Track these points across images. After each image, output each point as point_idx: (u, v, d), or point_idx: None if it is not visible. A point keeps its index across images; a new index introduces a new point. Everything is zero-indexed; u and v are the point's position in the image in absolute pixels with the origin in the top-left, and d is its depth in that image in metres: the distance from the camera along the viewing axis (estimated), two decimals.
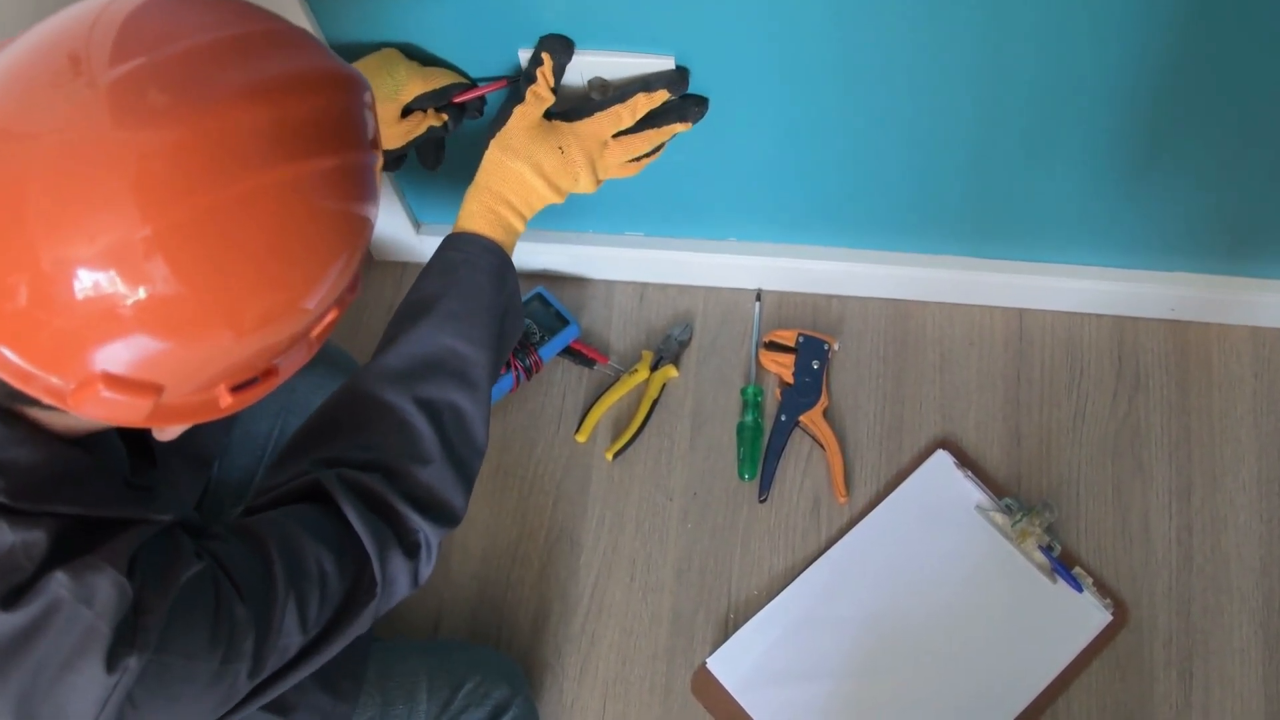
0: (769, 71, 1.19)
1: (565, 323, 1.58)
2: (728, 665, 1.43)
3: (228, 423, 1.26)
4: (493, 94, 1.22)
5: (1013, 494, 1.49)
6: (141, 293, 0.67)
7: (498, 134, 1.13)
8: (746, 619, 1.45)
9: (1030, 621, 1.42)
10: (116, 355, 0.70)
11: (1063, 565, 1.43)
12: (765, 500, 1.52)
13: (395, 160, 1.26)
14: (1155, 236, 1.44)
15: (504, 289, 1.10)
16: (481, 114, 1.24)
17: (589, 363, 1.59)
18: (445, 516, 0.99)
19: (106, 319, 0.68)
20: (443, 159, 1.29)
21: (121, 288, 0.67)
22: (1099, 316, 1.59)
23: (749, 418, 1.54)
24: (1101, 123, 1.22)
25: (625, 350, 1.61)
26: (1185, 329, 1.58)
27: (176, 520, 0.86)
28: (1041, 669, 1.40)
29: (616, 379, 1.58)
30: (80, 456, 0.81)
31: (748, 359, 1.59)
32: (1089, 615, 1.42)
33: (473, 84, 1.22)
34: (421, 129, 1.22)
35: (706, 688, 1.43)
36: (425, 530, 0.97)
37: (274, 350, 0.78)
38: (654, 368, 1.58)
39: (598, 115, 1.13)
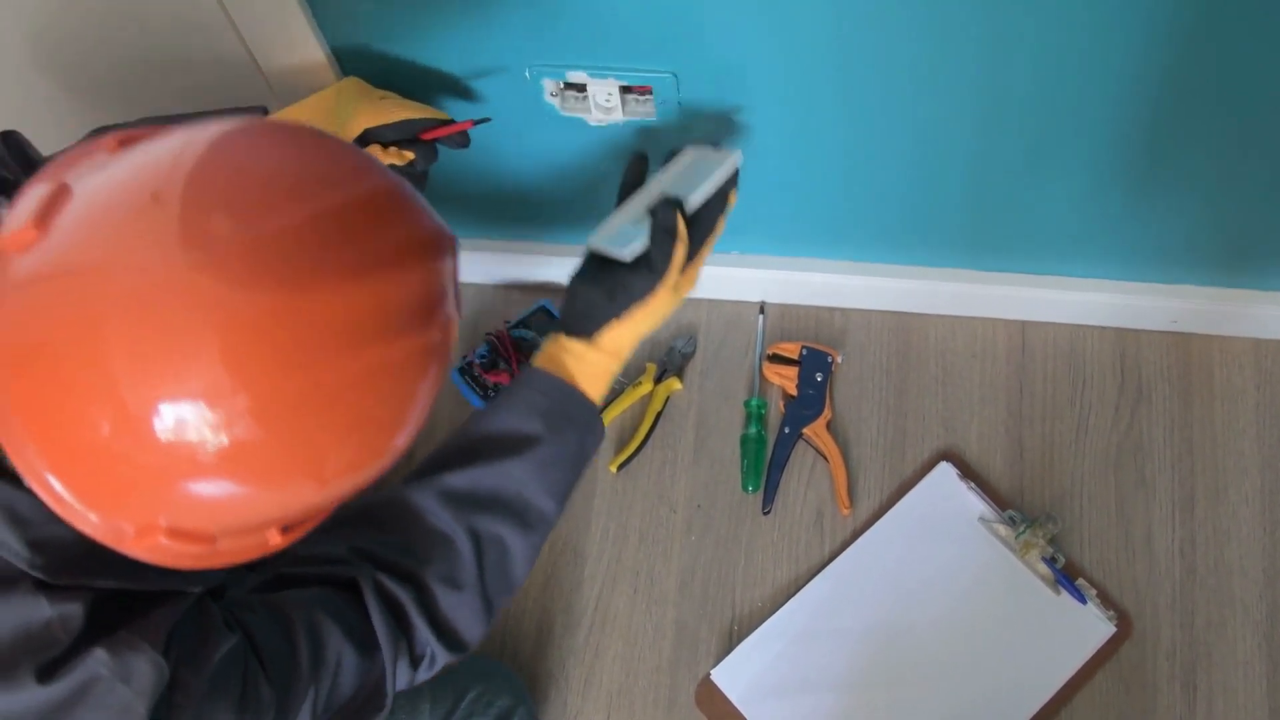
0: (772, 85, 1.20)
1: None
2: (732, 677, 1.43)
3: None
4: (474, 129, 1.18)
5: (1016, 506, 1.49)
6: (225, 439, 0.64)
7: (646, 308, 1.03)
8: (750, 631, 1.45)
9: (1033, 633, 1.42)
10: (188, 500, 0.68)
11: (1066, 577, 1.43)
12: (769, 512, 1.52)
13: None
14: (1157, 249, 1.44)
15: (592, 452, 1.06)
16: (466, 147, 1.20)
17: None
18: (458, 644, 0.98)
19: (188, 462, 0.65)
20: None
21: (206, 433, 0.64)
22: (1101, 329, 1.59)
23: (752, 430, 1.54)
24: (1103, 135, 1.23)
25: (629, 362, 1.61)
26: (1187, 341, 1.58)
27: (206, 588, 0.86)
28: (1045, 681, 1.40)
29: (620, 391, 1.58)
30: None
31: (751, 371, 1.60)
32: (1092, 627, 1.42)
33: (448, 120, 1.18)
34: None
35: (711, 700, 1.43)
36: (435, 650, 0.96)
37: (345, 496, 0.75)
38: (658, 380, 1.58)
39: (689, 266, 1.07)
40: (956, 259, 1.52)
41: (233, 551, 0.75)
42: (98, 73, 1.33)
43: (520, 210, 1.51)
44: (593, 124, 1.28)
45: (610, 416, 1.57)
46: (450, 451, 1.00)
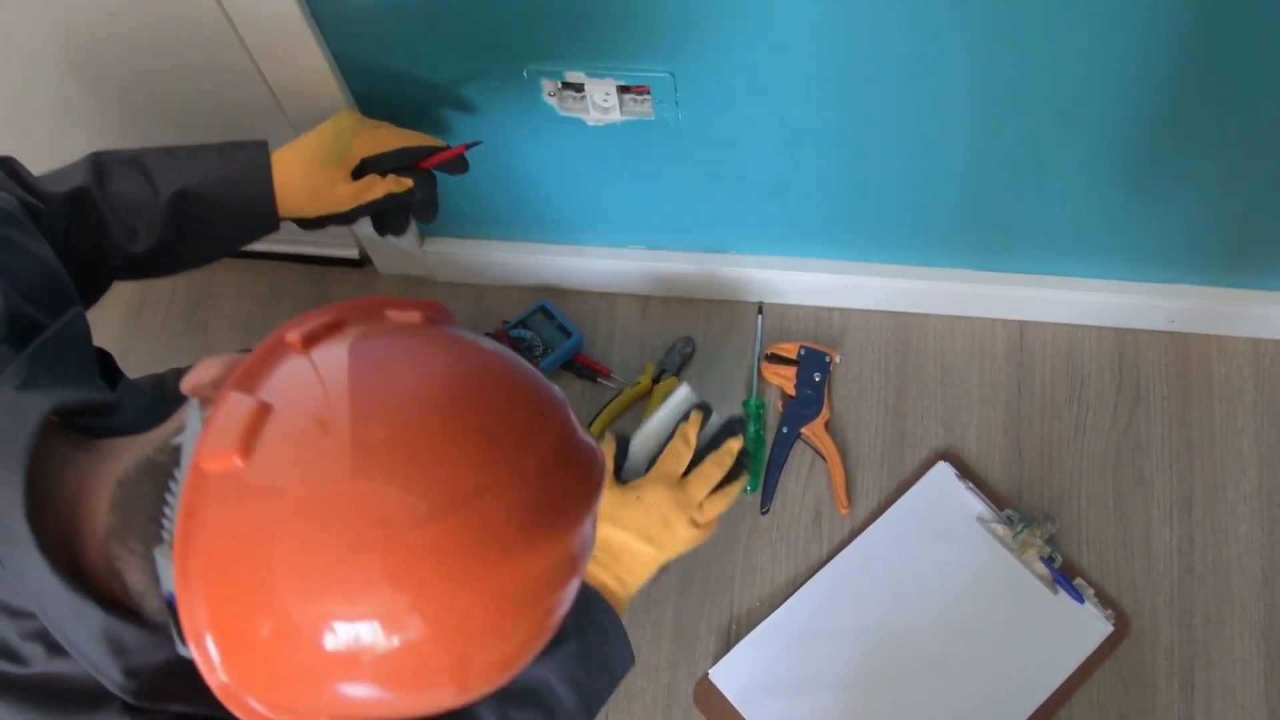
0: (769, 85, 1.20)
1: (568, 335, 1.58)
2: (730, 676, 1.43)
3: None
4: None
5: (1014, 505, 1.49)
6: (382, 651, 0.65)
7: None
8: (748, 630, 1.45)
9: (1032, 633, 1.42)
10: (326, 697, 0.68)
11: (1064, 576, 1.43)
12: (767, 512, 1.52)
13: (344, 218, 1.19)
14: (1155, 249, 1.44)
15: (618, 664, 1.08)
16: (464, 172, 1.22)
17: (591, 375, 1.60)
18: None
19: (341, 668, 0.66)
20: (407, 226, 1.24)
21: (364, 646, 0.64)
22: (1099, 328, 1.59)
23: (751, 430, 1.55)
24: (1101, 135, 1.23)
25: (627, 363, 1.62)
26: (1185, 341, 1.58)
27: None
28: (1043, 680, 1.40)
29: (619, 391, 1.58)
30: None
31: (750, 371, 1.60)
32: (1090, 626, 1.42)
33: (443, 147, 1.20)
34: (375, 193, 1.17)
35: (709, 699, 1.43)
36: None
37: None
38: (656, 380, 1.58)
39: (660, 458, 1.09)
40: (955, 259, 1.52)
41: None
42: (115, 76, 1.33)
43: (519, 210, 1.51)
44: (591, 124, 1.28)
45: (609, 417, 1.57)
46: None
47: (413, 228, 1.57)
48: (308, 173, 1.14)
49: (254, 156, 1.13)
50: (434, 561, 0.64)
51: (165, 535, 0.69)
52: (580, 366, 1.59)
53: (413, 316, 0.76)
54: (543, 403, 0.72)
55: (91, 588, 0.74)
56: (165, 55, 1.29)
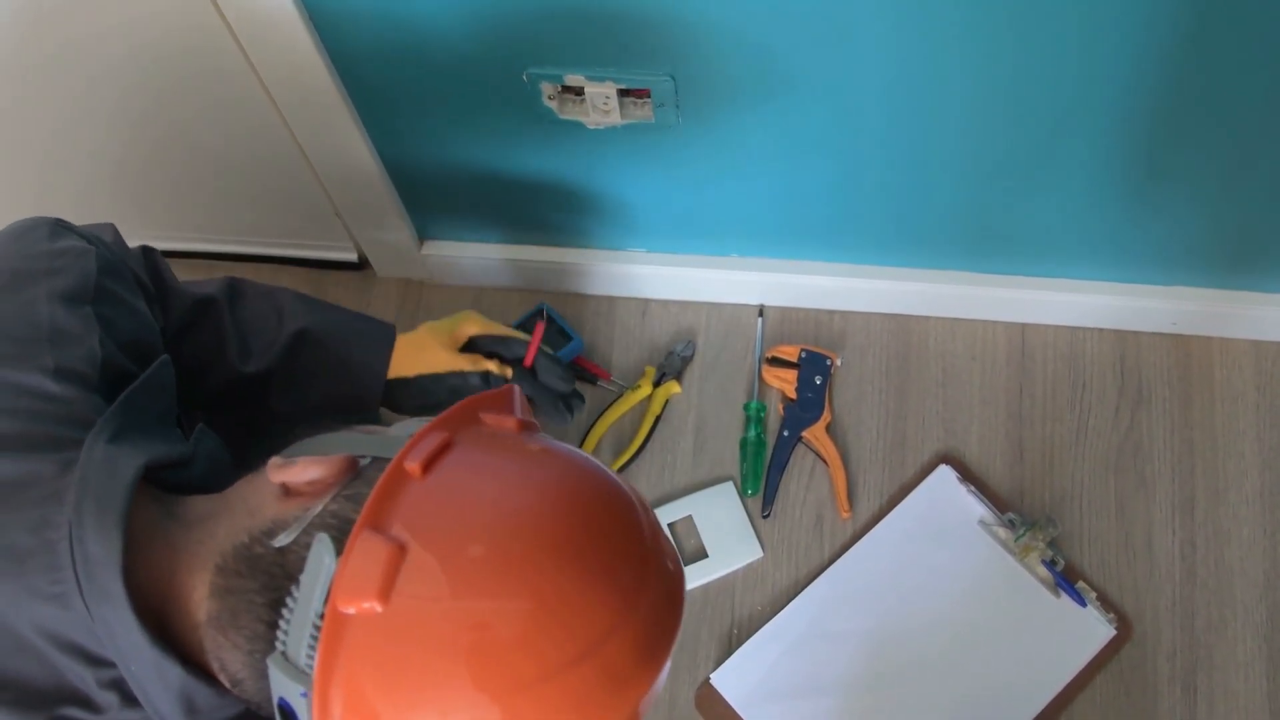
0: (769, 88, 1.20)
1: (568, 338, 1.58)
2: (731, 680, 1.43)
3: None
4: None
5: (1016, 509, 1.49)
6: None
7: None
8: (750, 634, 1.45)
9: (1034, 636, 1.42)
10: None
11: (1066, 580, 1.43)
12: (768, 516, 1.52)
13: (436, 384, 1.25)
14: (1156, 251, 1.44)
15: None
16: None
17: (591, 379, 1.59)
18: None
19: None
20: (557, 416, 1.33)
21: None
22: (1100, 331, 1.59)
23: (752, 433, 1.54)
24: (1102, 138, 1.23)
25: (628, 366, 1.61)
26: (1187, 343, 1.58)
27: None
28: (1045, 683, 1.40)
29: (619, 395, 1.58)
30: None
31: (750, 374, 1.60)
32: (1092, 630, 1.42)
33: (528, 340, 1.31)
34: (476, 365, 1.25)
35: (710, 703, 1.42)
36: None
37: None
38: (656, 383, 1.58)
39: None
40: (956, 261, 1.52)
41: None
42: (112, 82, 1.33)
43: (518, 213, 1.51)
44: (591, 127, 1.28)
45: (609, 421, 1.57)
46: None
47: (414, 237, 1.57)
48: (417, 336, 1.23)
49: (382, 326, 1.21)
50: (566, 707, 0.66)
51: (280, 646, 0.71)
52: (580, 370, 1.59)
53: (509, 425, 0.78)
54: (642, 525, 0.74)
55: (175, 647, 0.76)
56: (154, 46, 1.28)
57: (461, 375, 1.23)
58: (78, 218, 0.99)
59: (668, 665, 0.73)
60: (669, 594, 0.73)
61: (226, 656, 0.76)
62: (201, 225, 1.64)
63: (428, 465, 0.72)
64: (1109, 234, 1.41)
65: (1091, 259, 1.48)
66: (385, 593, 0.67)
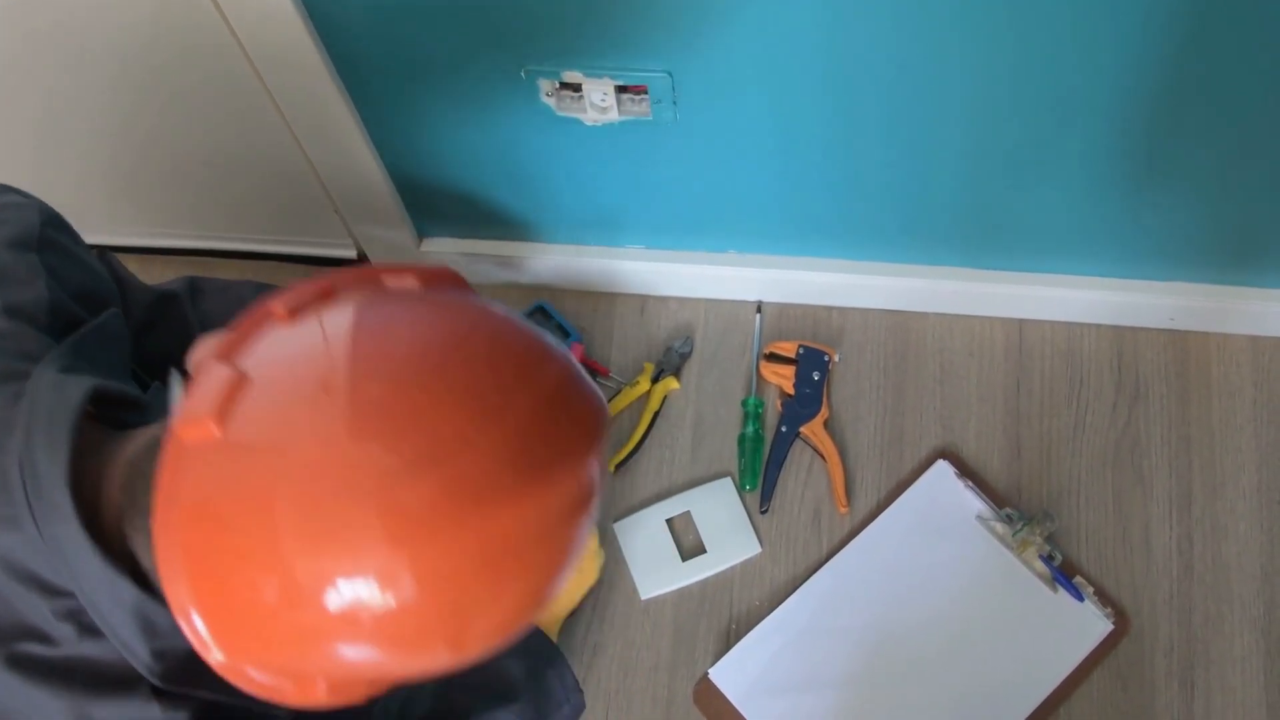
0: (768, 84, 1.20)
1: (566, 335, 1.58)
2: (730, 676, 1.43)
3: None
4: None
5: (1013, 504, 1.49)
6: (381, 611, 0.65)
7: None
8: (748, 629, 1.45)
9: (1031, 631, 1.42)
10: (329, 661, 0.69)
11: (1063, 575, 1.43)
12: (766, 511, 1.52)
13: None
14: (1154, 246, 1.44)
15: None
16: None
17: (590, 375, 1.59)
18: None
19: (340, 629, 0.66)
20: None
21: (363, 606, 0.65)
22: (1098, 327, 1.59)
23: (750, 429, 1.55)
24: (1100, 133, 1.23)
25: (626, 363, 1.62)
26: (1184, 339, 1.58)
27: None
28: (1043, 678, 1.40)
29: (618, 391, 1.58)
30: None
31: (748, 371, 1.60)
32: (1090, 624, 1.42)
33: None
34: None
35: (709, 698, 1.43)
36: None
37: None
38: (655, 380, 1.58)
39: None
40: (954, 257, 1.52)
41: (332, 697, 0.75)
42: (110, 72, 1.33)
43: (517, 210, 1.51)
44: (588, 123, 1.28)
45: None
46: (444, 700, 1.13)
47: (413, 236, 1.57)
48: None
49: None
50: (423, 518, 0.64)
51: None
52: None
53: (409, 282, 0.76)
54: (533, 355, 0.72)
55: (130, 567, 0.75)
56: (152, 43, 1.28)
57: None
58: (72, 213, 0.99)
59: (571, 506, 0.70)
60: (558, 416, 0.70)
61: (140, 552, 0.75)
62: (199, 221, 1.64)
63: (296, 310, 0.72)
64: (1108, 229, 1.41)
65: (1090, 254, 1.48)
66: (221, 414, 0.66)
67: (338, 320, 0.71)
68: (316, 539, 0.64)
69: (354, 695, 0.74)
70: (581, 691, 1.22)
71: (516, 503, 0.66)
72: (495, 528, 0.65)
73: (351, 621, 0.65)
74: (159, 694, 0.79)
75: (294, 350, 0.70)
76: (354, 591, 0.64)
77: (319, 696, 0.73)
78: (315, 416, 0.66)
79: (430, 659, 0.70)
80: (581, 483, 0.70)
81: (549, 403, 0.70)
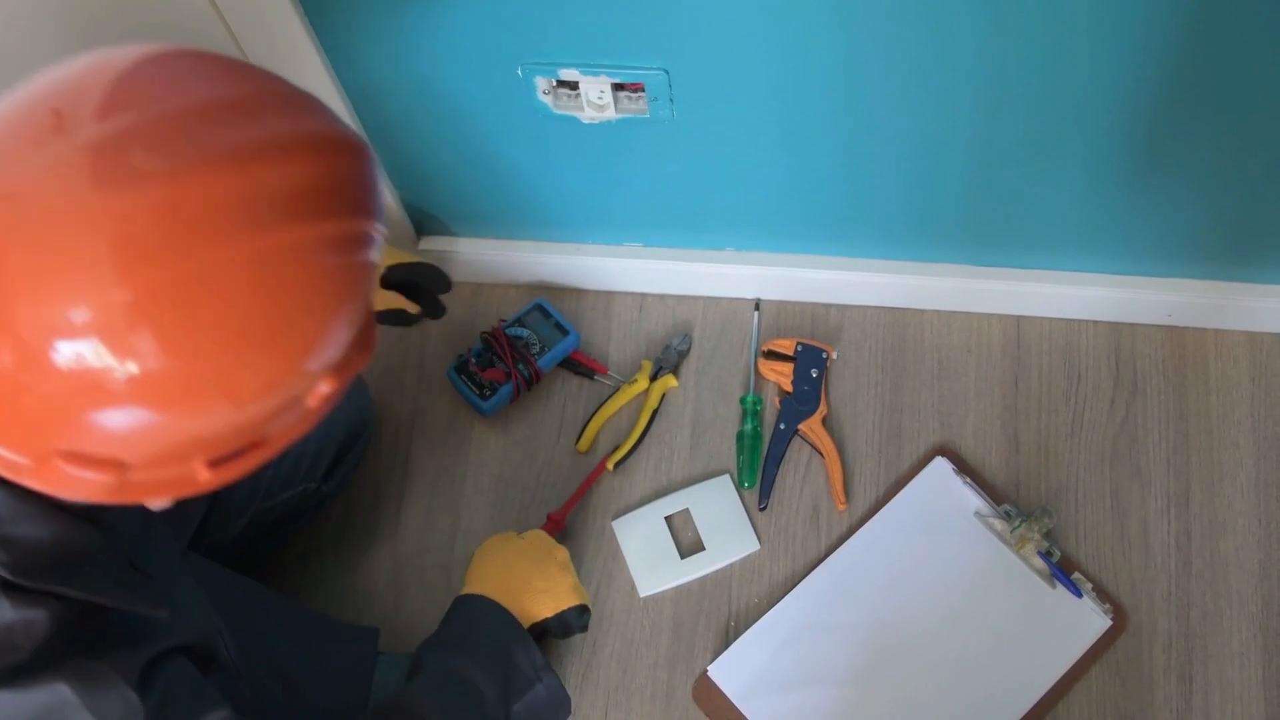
0: (766, 81, 1.20)
1: (565, 333, 1.59)
2: (729, 673, 1.43)
3: None
4: None
5: (1011, 500, 1.50)
6: (132, 366, 0.64)
7: None
8: (747, 627, 1.45)
9: (1029, 627, 1.42)
10: (95, 429, 0.67)
11: (1062, 571, 1.43)
12: (765, 508, 1.52)
13: None
14: (1152, 243, 1.45)
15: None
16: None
17: (588, 373, 1.60)
18: None
19: (94, 392, 0.64)
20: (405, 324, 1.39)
21: (109, 360, 0.63)
22: (1096, 323, 1.59)
23: (748, 426, 1.55)
24: (1099, 130, 1.23)
25: (625, 360, 1.62)
26: (1182, 334, 1.58)
27: (192, 644, 0.87)
28: (1041, 674, 1.40)
29: (616, 389, 1.58)
30: (90, 535, 0.80)
31: (747, 368, 1.60)
32: (1088, 620, 1.42)
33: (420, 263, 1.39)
34: (391, 303, 1.35)
35: (708, 695, 1.43)
36: None
37: (266, 419, 0.74)
38: (653, 377, 1.59)
39: None
40: (952, 254, 1.52)
41: (153, 484, 0.72)
42: None
43: (514, 208, 1.51)
44: (585, 121, 1.28)
45: (606, 415, 1.57)
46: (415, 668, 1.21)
47: (411, 233, 1.57)
48: None
49: None
50: (152, 251, 0.62)
51: None
52: (576, 364, 1.60)
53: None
54: (294, 106, 0.71)
55: None
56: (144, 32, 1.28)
57: (394, 314, 1.32)
58: None
59: (312, 237, 0.68)
60: (267, 155, 0.68)
61: None
62: None
63: None
64: (1107, 224, 1.41)
65: (1088, 251, 1.48)
66: None
67: (67, 65, 0.68)
68: (34, 283, 0.62)
69: (173, 478, 0.72)
70: (554, 673, 1.24)
71: (248, 236, 0.64)
72: (222, 258, 0.64)
73: (96, 381, 0.63)
74: (9, 589, 0.75)
75: (17, 91, 0.67)
76: (87, 338, 0.62)
77: (137, 479, 0.70)
78: (38, 148, 0.63)
79: (205, 410, 0.68)
80: (307, 184, 0.68)
81: (301, 148, 0.68)
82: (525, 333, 1.58)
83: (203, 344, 0.65)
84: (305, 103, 0.72)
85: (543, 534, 1.39)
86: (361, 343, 0.78)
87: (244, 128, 0.67)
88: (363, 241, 0.72)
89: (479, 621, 1.25)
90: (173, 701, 0.81)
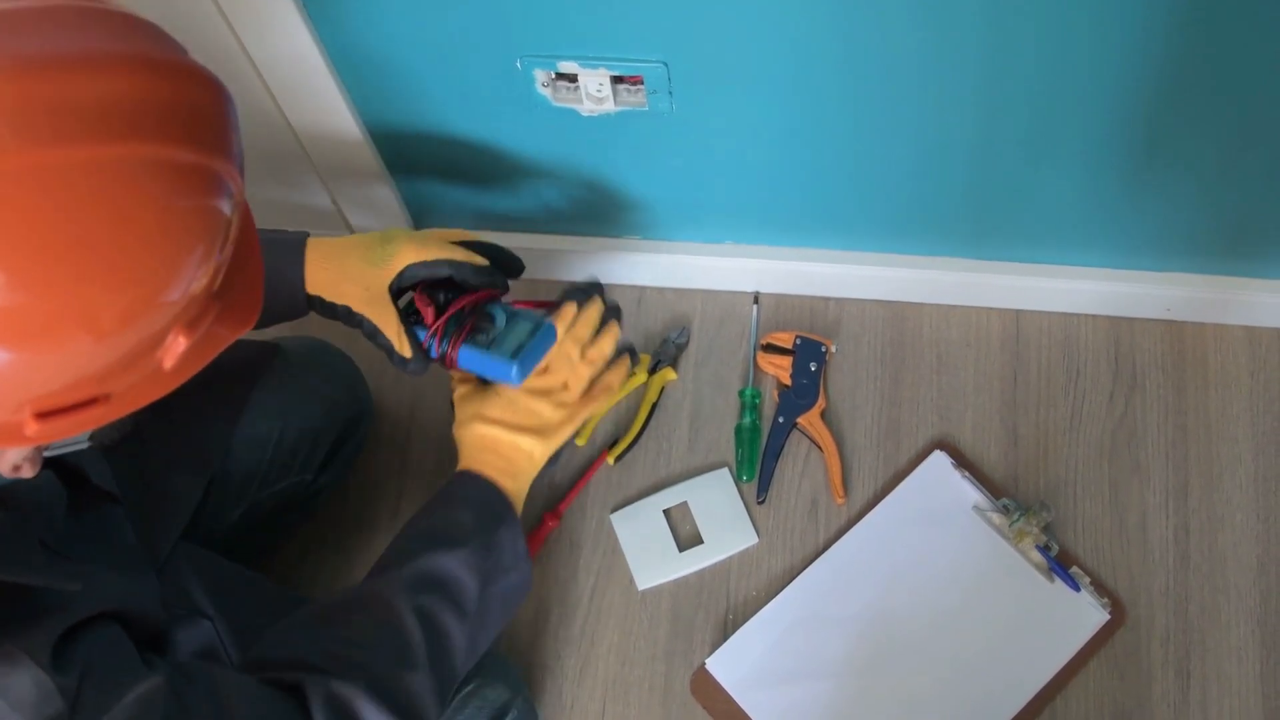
0: (765, 73, 1.20)
1: (509, 359, 1.14)
2: (727, 666, 1.43)
3: (230, 426, 1.27)
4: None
5: (1010, 494, 1.50)
6: None
7: (454, 425, 1.17)
8: (745, 620, 1.45)
9: (1028, 621, 1.42)
10: None
11: (1060, 565, 1.43)
12: (763, 501, 1.52)
13: (356, 321, 1.14)
14: (1152, 237, 1.44)
15: (499, 530, 1.12)
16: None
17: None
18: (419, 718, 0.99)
19: None
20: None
21: None
22: (1095, 317, 1.59)
23: (747, 420, 1.55)
24: (1099, 124, 1.23)
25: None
26: (1181, 329, 1.58)
27: (123, 611, 0.85)
28: (1039, 668, 1.40)
29: None
30: None
31: (745, 361, 1.60)
32: (1086, 614, 1.42)
33: (486, 266, 1.15)
34: (390, 321, 1.13)
35: (706, 688, 1.43)
36: None
37: (112, 367, 0.70)
38: (652, 371, 1.58)
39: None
40: (951, 248, 1.52)
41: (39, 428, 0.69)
42: None
43: (513, 201, 1.51)
44: (584, 114, 1.28)
45: (604, 409, 1.57)
46: (399, 544, 1.07)
47: (407, 218, 1.57)
48: (345, 253, 1.13)
49: (293, 235, 1.13)
50: None
51: None
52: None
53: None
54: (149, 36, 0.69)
55: None
56: None
57: (374, 330, 1.13)
58: None
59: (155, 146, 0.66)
60: (143, 84, 0.66)
61: None
62: None
63: None
64: (1106, 218, 1.41)
65: (1087, 245, 1.48)
66: None
67: None
68: None
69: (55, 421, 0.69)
70: (530, 564, 1.14)
71: (57, 145, 0.62)
72: (29, 164, 0.61)
73: None
74: None
75: None
76: None
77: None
78: None
79: (66, 344, 0.65)
80: (171, 153, 0.66)
81: (125, 67, 0.66)
82: (500, 317, 1.18)
83: (25, 253, 0.62)
84: (150, 31, 0.70)
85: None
86: (240, 307, 0.76)
87: (67, 40, 0.64)
88: (204, 176, 0.69)
89: (473, 501, 1.13)
90: (97, 674, 0.79)
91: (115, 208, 0.65)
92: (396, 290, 1.13)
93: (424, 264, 1.12)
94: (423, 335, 1.15)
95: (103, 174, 0.64)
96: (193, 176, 0.69)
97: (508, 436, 1.13)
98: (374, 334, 1.13)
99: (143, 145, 0.65)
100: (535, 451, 1.14)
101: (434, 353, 1.15)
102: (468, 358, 1.15)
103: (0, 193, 0.61)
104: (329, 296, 1.13)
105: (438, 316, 1.15)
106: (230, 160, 0.71)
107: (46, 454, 0.77)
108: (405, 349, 1.13)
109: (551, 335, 1.17)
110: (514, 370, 1.12)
